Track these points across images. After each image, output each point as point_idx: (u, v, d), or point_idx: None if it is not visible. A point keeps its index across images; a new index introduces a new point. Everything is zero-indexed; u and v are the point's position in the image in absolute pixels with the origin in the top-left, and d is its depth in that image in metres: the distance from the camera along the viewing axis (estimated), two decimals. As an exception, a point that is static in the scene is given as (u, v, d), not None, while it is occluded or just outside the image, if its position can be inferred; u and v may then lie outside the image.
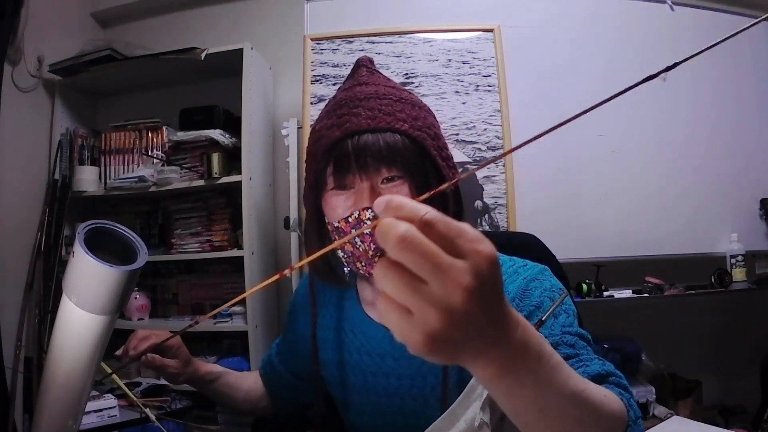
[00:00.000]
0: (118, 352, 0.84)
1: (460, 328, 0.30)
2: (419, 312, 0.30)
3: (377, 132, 0.66)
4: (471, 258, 0.30)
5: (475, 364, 0.34)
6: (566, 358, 0.58)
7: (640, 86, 0.33)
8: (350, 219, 0.67)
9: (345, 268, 0.73)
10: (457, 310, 0.29)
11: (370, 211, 0.65)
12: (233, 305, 0.54)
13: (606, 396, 0.45)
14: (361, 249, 0.67)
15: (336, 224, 0.69)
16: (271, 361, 0.95)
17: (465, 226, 0.31)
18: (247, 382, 0.94)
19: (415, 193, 0.67)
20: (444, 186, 0.36)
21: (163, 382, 2.05)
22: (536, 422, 0.39)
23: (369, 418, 0.80)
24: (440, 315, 0.29)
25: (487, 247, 0.30)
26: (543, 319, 0.60)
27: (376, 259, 0.66)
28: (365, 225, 0.65)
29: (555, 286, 0.71)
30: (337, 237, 0.69)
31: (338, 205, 0.68)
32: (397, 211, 0.30)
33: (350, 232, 0.67)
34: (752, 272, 1.98)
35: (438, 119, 0.76)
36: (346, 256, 0.70)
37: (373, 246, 0.66)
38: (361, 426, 0.81)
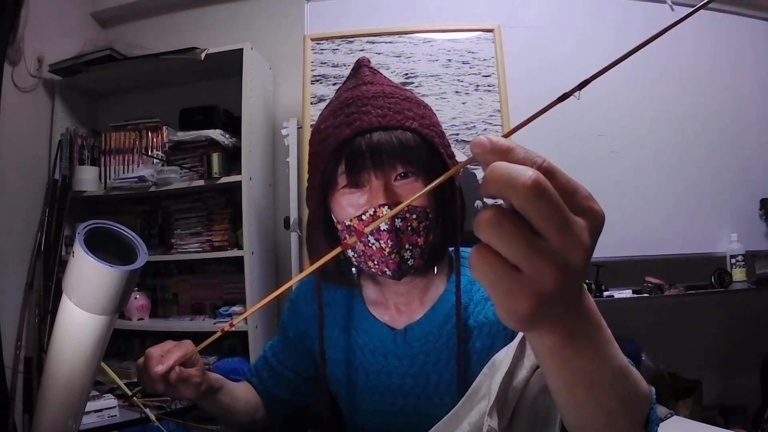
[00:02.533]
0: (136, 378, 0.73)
1: (568, 290, 0.28)
2: (534, 269, 0.27)
3: (389, 130, 0.66)
4: (588, 216, 0.28)
5: (548, 331, 0.32)
6: None
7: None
8: (364, 217, 0.66)
9: (352, 268, 0.73)
10: (573, 269, 0.28)
11: (386, 207, 0.65)
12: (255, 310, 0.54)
13: (639, 375, 0.45)
14: (374, 247, 0.67)
15: (348, 223, 0.68)
16: (267, 365, 0.91)
17: (578, 183, 0.29)
18: (243, 391, 0.89)
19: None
20: (448, 174, 0.35)
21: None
22: (584, 398, 0.38)
23: (372, 417, 0.80)
24: (556, 274, 0.27)
25: (600, 207, 0.29)
26: None
27: (392, 256, 0.66)
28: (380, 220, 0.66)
29: None
30: (348, 236, 0.69)
31: (351, 204, 0.68)
32: (506, 154, 0.28)
33: (363, 230, 0.67)
34: (752, 272, 1.98)
35: (438, 119, 0.77)
36: (356, 255, 0.70)
37: (390, 243, 0.66)
38: (364, 425, 0.81)
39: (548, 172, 0.28)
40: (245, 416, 0.86)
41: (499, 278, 0.28)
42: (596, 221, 0.29)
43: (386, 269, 0.68)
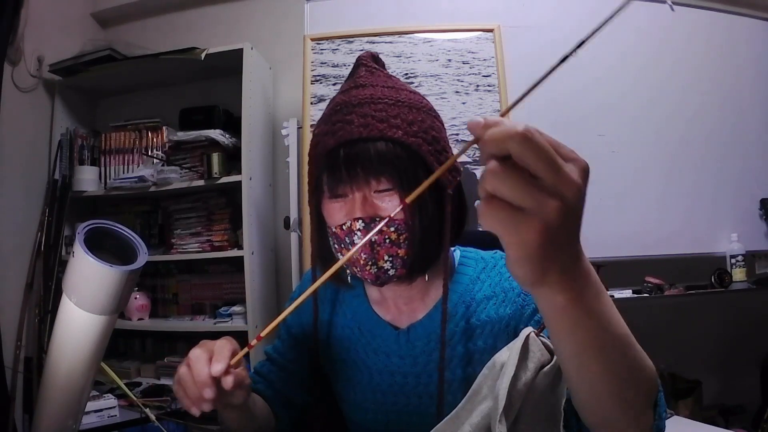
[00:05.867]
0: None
1: (566, 227, 0.33)
2: (536, 204, 0.32)
3: (369, 141, 0.65)
4: (574, 163, 0.33)
5: (558, 287, 0.37)
6: None
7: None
8: (344, 227, 0.67)
9: (346, 270, 0.73)
10: (570, 203, 0.32)
11: (360, 221, 0.66)
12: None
13: (642, 350, 0.46)
14: (354, 257, 0.68)
15: (333, 230, 0.69)
16: (275, 366, 0.87)
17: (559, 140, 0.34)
18: (257, 398, 0.83)
19: (406, 203, 0.67)
20: (433, 177, 0.40)
21: (163, 382, 2.06)
22: (595, 364, 0.41)
23: (372, 416, 0.80)
24: (557, 204, 0.32)
25: (582, 157, 0.34)
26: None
27: (368, 267, 0.67)
28: (356, 235, 0.66)
29: None
30: (335, 241, 0.70)
31: (335, 211, 0.69)
32: (498, 125, 0.33)
33: (344, 239, 0.68)
34: (752, 272, 1.98)
35: (435, 122, 0.73)
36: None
37: (363, 256, 0.67)
38: (365, 423, 0.81)
39: (534, 130, 0.32)
40: (263, 423, 0.80)
41: (507, 218, 0.32)
42: (583, 168, 0.34)
43: (366, 277, 0.69)
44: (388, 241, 0.66)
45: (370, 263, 0.67)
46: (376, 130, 0.66)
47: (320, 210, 0.72)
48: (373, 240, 0.66)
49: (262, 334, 0.57)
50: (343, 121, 0.67)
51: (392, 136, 0.66)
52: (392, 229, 0.66)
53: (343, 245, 0.68)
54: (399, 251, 0.67)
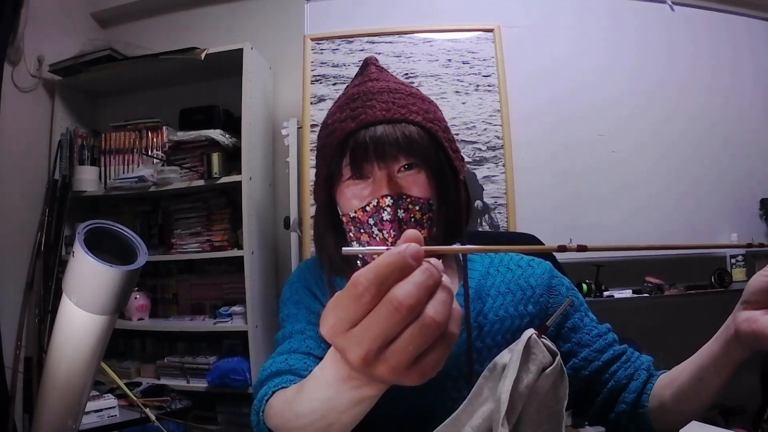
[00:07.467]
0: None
1: None
2: None
3: (392, 123, 0.67)
4: None
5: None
6: (622, 353, 0.72)
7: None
8: (368, 208, 0.68)
9: (358, 261, 0.73)
10: None
11: (389, 198, 0.66)
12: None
13: None
14: (378, 239, 0.68)
15: (353, 215, 0.69)
16: (304, 352, 0.72)
17: None
18: None
19: (431, 181, 0.68)
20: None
21: (163, 381, 2.06)
22: (722, 387, 0.62)
23: (384, 411, 0.79)
24: None
25: None
26: (548, 324, 0.61)
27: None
28: (384, 212, 0.66)
29: (570, 282, 0.78)
30: (353, 227, 0.70)
31: (355, 195, 0.69)
32: None
33: (367, 221, 0.68)
34: (752, 272, 1.96)
35: (443, 115, 0.78)
36: (361, 246, 0.71)
37: (393, 234, 0.66)
38: (377, 419, 0.80)
39: None
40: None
41: None
42: None
43: None
44: (413, 220, 0.67)
45: (397, 242, 0.67)
46: (399, 113, 0.68)
47: (332, 201, 0.73)
48: (400, 218, 0.67)
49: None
50: (364, 107, 0.69)
51: (413, 119, 0.68)
52: (417, 207, 0.68)
53: (363, 230, 0.68)
54: (422, 231, 0.68)
